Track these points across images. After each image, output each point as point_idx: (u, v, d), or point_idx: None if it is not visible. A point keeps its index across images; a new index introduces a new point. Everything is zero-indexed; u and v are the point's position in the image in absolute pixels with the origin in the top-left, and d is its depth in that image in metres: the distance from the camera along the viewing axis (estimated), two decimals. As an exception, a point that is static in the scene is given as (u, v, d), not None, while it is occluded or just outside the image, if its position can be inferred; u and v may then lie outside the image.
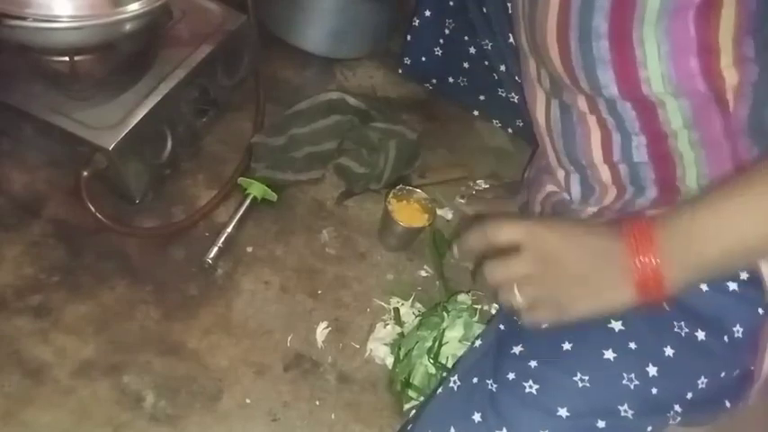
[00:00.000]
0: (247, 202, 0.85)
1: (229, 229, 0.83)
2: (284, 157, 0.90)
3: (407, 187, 0.88)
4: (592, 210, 0.67)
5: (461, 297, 0.83)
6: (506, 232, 0.54)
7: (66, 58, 0.74)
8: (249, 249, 0.84)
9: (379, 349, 0.80)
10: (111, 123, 0.74)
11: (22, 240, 0.77)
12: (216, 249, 0.81)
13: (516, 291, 0.53)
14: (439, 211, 0.92)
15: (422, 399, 0.75)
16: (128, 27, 0.74)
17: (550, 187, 0.72)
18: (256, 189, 0.86)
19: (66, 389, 0.69)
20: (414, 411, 0.75)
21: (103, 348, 0.73)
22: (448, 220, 0.95)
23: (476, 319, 0.81)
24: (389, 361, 0.79)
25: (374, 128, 0.95)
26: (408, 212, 0.87)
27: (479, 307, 0.83)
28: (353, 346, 0.80)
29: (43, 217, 0.79)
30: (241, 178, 0.87)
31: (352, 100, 0.97)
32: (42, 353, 0.71)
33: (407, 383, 0.76)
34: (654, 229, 0.51)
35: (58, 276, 0.76)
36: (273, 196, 0.87)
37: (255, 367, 0.76)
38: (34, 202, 0.80)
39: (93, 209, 0.74)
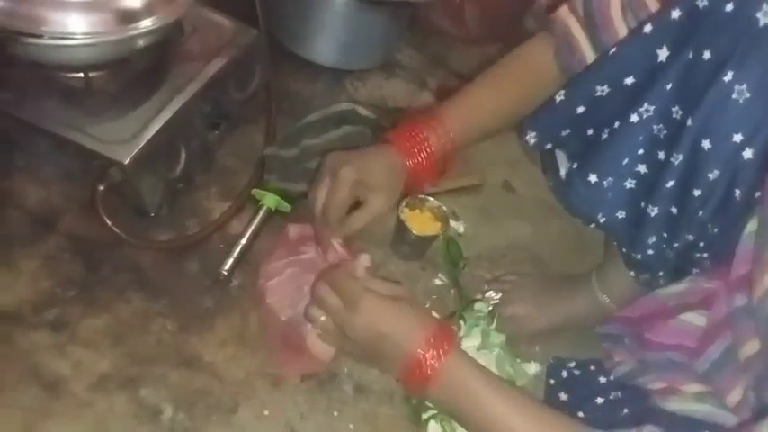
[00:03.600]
0: (261, 213, 0.86)
1: (244, 241, 0.83)
2: (297, 168, 0.90)
3: (420, 196, 0.88)
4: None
5: (478, 305, 0.83)
6: (346, 287, 0.63)
7: (81, 74, 0.75)
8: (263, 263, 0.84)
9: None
10: (125, 138, 0.75)
11: (38, 255, 0.78)
12: (231, 261, 0.81)
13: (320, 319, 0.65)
14: (451, 223, 0.92)
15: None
16: (141, 43, 0.75)
17: None
18: (270, 200, 0.86)
19: (83, 402, 0.70)
20: (431, 422, 0.74)
21: (120, 361, 0.73)
22: (460, 234, 0.95)
23: (493, 327, 0.80)
24: (405, 371, 0.79)
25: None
26: (421, 221, 0.87)
27: (497, 315, 0.82)
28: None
29: (59, 231, 0.80)
30: (254, 190, 0.88)
31: (362, 110, 0.97)
32: (60, 367, 0.71)
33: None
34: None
35: (75, 290, 0.76)
36: (287, 207, 0.87)
37: (272, 379, 0.75)
38: (50, 217, 0.81)
39: (108, 223, 0.75)
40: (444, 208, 0.88)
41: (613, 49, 0.63)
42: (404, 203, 0.86)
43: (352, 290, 0.62)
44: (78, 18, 0.69)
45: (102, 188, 0.74)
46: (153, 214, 0.82)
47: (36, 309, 0.74)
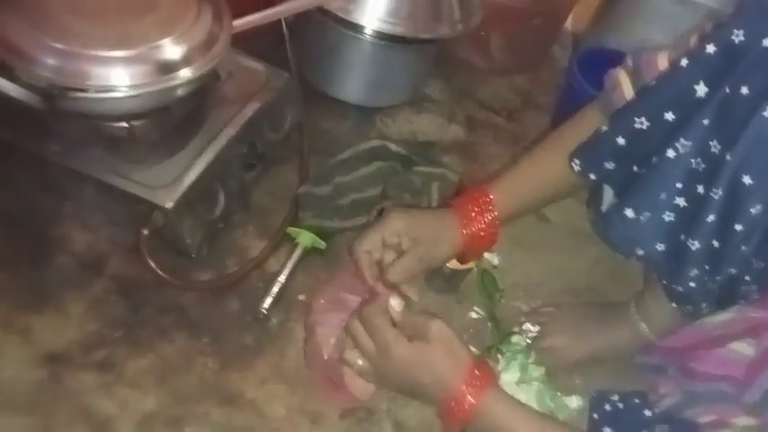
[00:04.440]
0: (297, 251, 0.87)
1: (281, 279, 0.85)
2: (330, 205, 0.92)
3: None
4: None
5: (515, 338, 0.82)
6: (378, 333, 0.65)
7: (125, 124, 0.78)
8: (301, 297, 0.86)
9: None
10: (167, 183, 0.78)
11: (86, 298, 0.80)
12: (269, 299, 0.83)
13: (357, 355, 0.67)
14: (485, 255, 0.92)
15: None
16: (179, 92, 0.78)
17: None
18: (305, 238, 0.88)
19: (130, 442, 0.71)
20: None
21: (164, 400, 0.75)
22: (495, 266, 0.95)
23: (531, 360, 0.80)
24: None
25: (416, 172, 0.97)
26: (455, 254, 0.87)
27: (535, 347, 0.82)
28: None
29: (105, 274, 0.83)
30: (290, 228, 0.90)
31: (393, 146, 0.99)
32: (107, 406, 0.73)
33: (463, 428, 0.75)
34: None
35: (121, 331, 0.79)
36: (322, 244, 0.89)
37: (311, 416, 0.76)
38: (97, 261, 0.84)
39: (152, 265, 0.77)
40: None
41: (653, 83, 0.64)
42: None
43: (384, 337, 0.64)
44: (121, 72, 0.72)
45: (146, 232, 0.77)
46: (194, 255, 0.85)
47: (84, 350, 0.77)
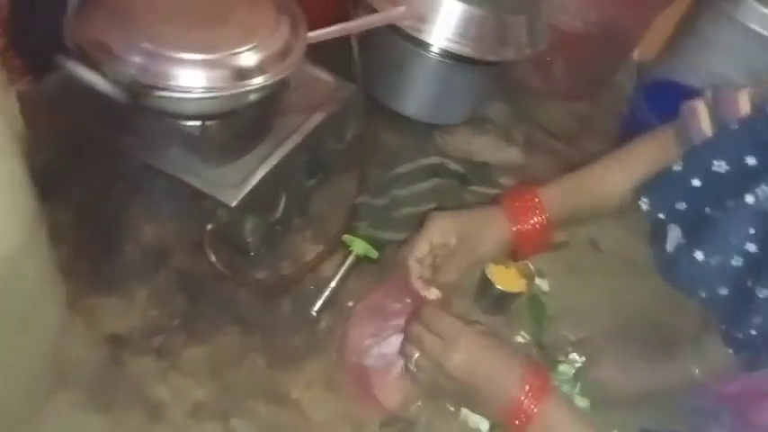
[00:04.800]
0: (351, 258, 0.89)
1: (333, 284, 0.87)
2: (386, 216, 0.94)
3: (506, 251, 0.89)
4: None
5: (563, 367, 0.82)
6: (443, 325, 0.67)
7: (198, 123, 0.82)
8: (350, 304, 0.88)
9: (474, 414, 0.80)
10: (233, 183, 0.81)
11: (149, 286, 0.84)
12: (320, 303, 0.85)
13: (415, 357, 0.68)
14: (537, 281, 0.92)
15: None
16: (251, 97, 0.82)
17: None
18: (359, 246, 0.90)
19: (179, 428, 0.74)
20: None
21: (215, 392, 0.77)
22: (545, 292, 0.94)
23: (577, 390, 0.79)
24: (484, 427, 0.79)
25: (472, 191, 0.98)
26: (506, 277, 0.88)
27: (581, 378, 0.81)
28: (449, 410, 0.80)
29: (168, 265, 0.87)
30: (345, 235, 0.92)
31: (452, 164, 1.00)
32: (161, 392, 0.76)
33: None
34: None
35: (179, 320, 0.82)
36: (375, 254, 0.91)
37: (353, 424, 0.78)
38: (161, 252, 0.88)
39: (213, 260, 0.80)
40: (530, 265, 0.89)
41: (735, 126, 0.63)
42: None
43: (453, 326, 0.64)
44: (200, 74, 0.76)
45: (210, 228, 0.80)
46: (252, 254, 0.88)
47: (144, 335, 0.80)
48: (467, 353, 0.64)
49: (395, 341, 0.77)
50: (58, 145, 0.88)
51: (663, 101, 0.86)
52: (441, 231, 0.76)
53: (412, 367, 0.68)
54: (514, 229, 0.75)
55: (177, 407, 0.75)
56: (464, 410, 0.80)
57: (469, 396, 0.65)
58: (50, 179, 0.89)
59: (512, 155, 1.16)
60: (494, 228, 0.76)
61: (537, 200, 0.76)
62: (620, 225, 1.05)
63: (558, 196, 0.76)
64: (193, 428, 0.74)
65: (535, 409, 0.60)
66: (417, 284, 0.76)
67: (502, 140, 1.18)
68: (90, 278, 0.83)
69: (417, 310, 0.72)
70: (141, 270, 0.85)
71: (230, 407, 0.77)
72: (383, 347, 0.78)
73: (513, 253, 0.80)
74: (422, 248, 0.76)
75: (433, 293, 0.73)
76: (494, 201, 0.79)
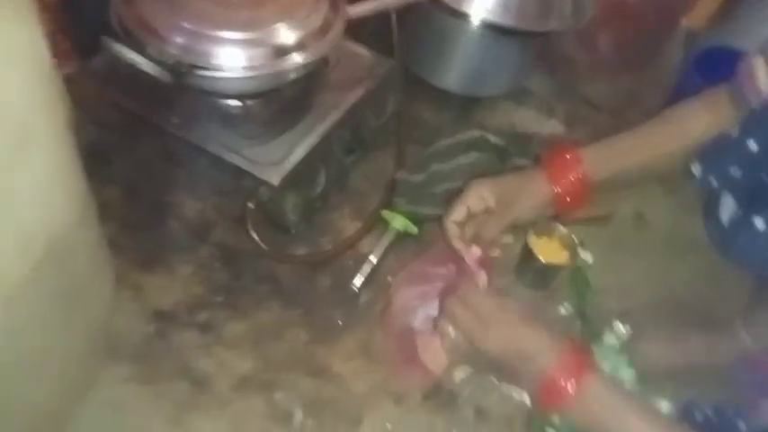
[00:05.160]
0: (390, 234, 0.89)
1: (372, 259, 0.87)
2: (425, 192, 0.93)
3: (549, 223, 0.88)
4: None
5: (608, 338, 0.81)
6: (479, 302, 0.67)
7: (239, 102, 0.83)
8: (390, 279, 0.88)
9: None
10: (275, 160, 0.82)
11: (193, 262, 0.86)
12: (360, 277, 0.85)
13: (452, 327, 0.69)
14: (580, 253, 0.91)
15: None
16: (291, 75, 0.82)
17: None
18: (398, 222, 0.90)
19: (225, 400, 0.76)
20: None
21: (258, 365, 0.79)
22: (589, 264, 0.93)
23: (624, 361, 0.78)
24: (527, 398, 0.78)
25: (513, 165, 0.96)
26: (549, 249, 0.86)
27: (627, 349, 0.80)
28: (492, 381, 0.80)
29: (211, 242, 0.88)
30: (384, 211, 0.92)
31: (492, 138, 0.99)
32: (206, 365, 0.78)
33: (547, 422, 0.75)
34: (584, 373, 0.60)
35: (222, 296, 0.84)
36: (414, 229, 0.91)
37: (395, 396, 0.78)
38: (204, 228, 0.89)
39: (255, 236, 0.82)
40: (574, 237, 0.87)
41: None
42: (532, 230, 0.87)
43: (487, 305, 0.64)
44: (240, 53, 0.77)
45: (251, 205, 0.81)
46: (293, 231, 0.89)
47: (189, 310, 0.82)
48: (500, 332, 0.63)
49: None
50: (104, 125, 0.90)
51: (715, 69, 0.82)
52: (479, 196, 0.76)
53: (446, 343, 0.68)
54: (553, 187, 0.75)
55: (222, 380, 0.77)
56: (507, 384, 0.80)
57: (508, 371, 0.65)
58: (98, 158, 0.92)
59: (554, 128, 1.14)
60: (533, 185, 0.76)
61: (576, 157, 0.74)
62: (666, 199, 1.02)
63: (602, 155, 0.75)
64: (238, 401, 0.76)
65: (571, 387, 0.59)
66: (457, 244, 0.76)
67: (543, 114, 1.16)
68: (135, 254, 0.85)
69: (454, 284, 0.72)
70: (184, 246, 0.87)
71: (274, 380, 0.78)
72: (429, 309, 0.78)
73: (555, 212, 0.79)
74: (460, 212, 0.76)
75: (473, 252, 0.73)
76: (534, 162, 0.78)
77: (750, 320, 0.77)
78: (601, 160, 0.75)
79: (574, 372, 0.60)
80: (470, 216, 0.78)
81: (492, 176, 0.79)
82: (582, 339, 0.82)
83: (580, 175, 0.74)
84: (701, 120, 0.70)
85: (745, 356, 0.76)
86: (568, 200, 0.77)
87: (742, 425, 0.69)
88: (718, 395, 0.75)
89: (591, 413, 0.60)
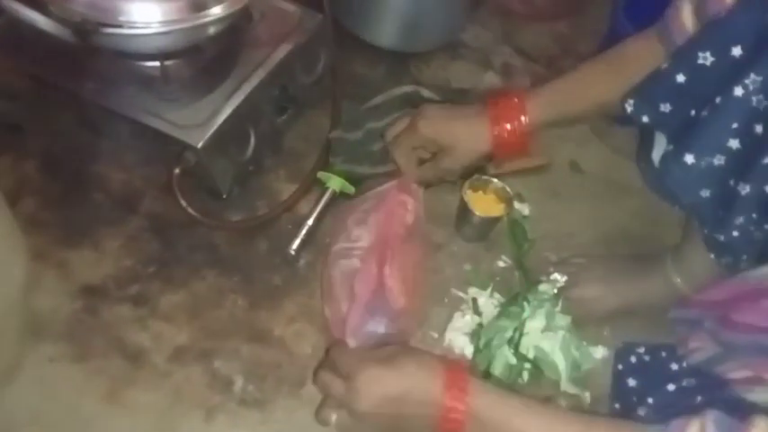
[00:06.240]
0: (327, 195, 0.88)
1: (310, 222, 0.85)
2: (361, 150, 0.91)
3: (483, 177, 0.88)
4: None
5: (543, 287, 0.82)
6: (343, 363, 0.63)
7: (157, 63, 0.78)
8: (329, 241, 0.86)
9: (458, 339, 0.81)
10: (198, 123, 0.78)
11: (121, 234, 0.83)
12: (298, 241, 0.84)
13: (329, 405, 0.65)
14: (516, 205, 0.91)
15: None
16: (211, 30, 0.78)
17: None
18: (335, 183, 0.88)
19: (162, 372, 0.74)
20: None
21: (196, 335, 0.77)
22: (525, 215, 0.93)
23: (558, 309, 0.79)
24: (468, 351, 0.79)
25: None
26: (485, 202, 0.87)
27: (562, 297, 0.81)
28: (432, 336, 0.81)
29: (139, 212, 0.85)
30: (320, 172, 0.89)
31: (426, 92, 0.97)
32: (141, 339, 0.76)
33: (487, 373, 0.76)
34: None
35: (154, 267, 0.81)
36: (351, 189, 0.89)
37: (338, 355, 0.78)
38: (131, 199, 0.86)
39: (184, 204, 0.78)
40: (508, 189, 0.87)
41: (720, 16, 0.59)
42: (467, 185, 0.86)
43: (350, 363, 0.62)
44: (153, 7, 0.72)
45: (177, 171, 0.78)
46: (225, 196, 0.86)
47: (119, 284, 0.79)
48: (369, 389, 0.59)
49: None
50: (12, 95, 0.84)
51: (644, 13, 0.82)
52: (424, 138, 0.78)
53: (328, 421, 0.65)
54: (494, 133, 0.75)
55: (158, 352, 0.75)
56: (447, 336, 0.80)
57: (399, 424, 0.61)
58: (9, 131, 0.87)
59: (490, 80, 1.13)
60: (475, 136, 0.76)
61: (519, 101, 0.75)
62: (601, 146, 1.04)
63: (545, 99, 0.75)
64: (177, 372, 0.74)
65: (464, 410, 0.57)
66: (399, 158, 0.82)
67: (479, 66, 1.14)
68: (59, 230, 0.81)
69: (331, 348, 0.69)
70: (111, 218, 0.84)
71: (213, 349, 0.76)
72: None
73: (492, 158, 0.80)
74: (404, 148, 0.81)
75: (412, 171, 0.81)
76: (485, 101, 0.78)
77: (678, 259, 0.79)
78: (544, 104, 0.75)
79: (459, 394, 0.58)
80: (417, 138, 0.79)
81: (440, 115, 0.79)
82: (519, 290, 0.83)
83: (522, 122, 0.74)
84: (640, 60, 0.70)
85: (676, 296, 0.78)
86: (507, 146, 0.76)
87: (674, 365, 0.71)
88: (654, 337, 0.77)
89: (485, 424, 0.58)
